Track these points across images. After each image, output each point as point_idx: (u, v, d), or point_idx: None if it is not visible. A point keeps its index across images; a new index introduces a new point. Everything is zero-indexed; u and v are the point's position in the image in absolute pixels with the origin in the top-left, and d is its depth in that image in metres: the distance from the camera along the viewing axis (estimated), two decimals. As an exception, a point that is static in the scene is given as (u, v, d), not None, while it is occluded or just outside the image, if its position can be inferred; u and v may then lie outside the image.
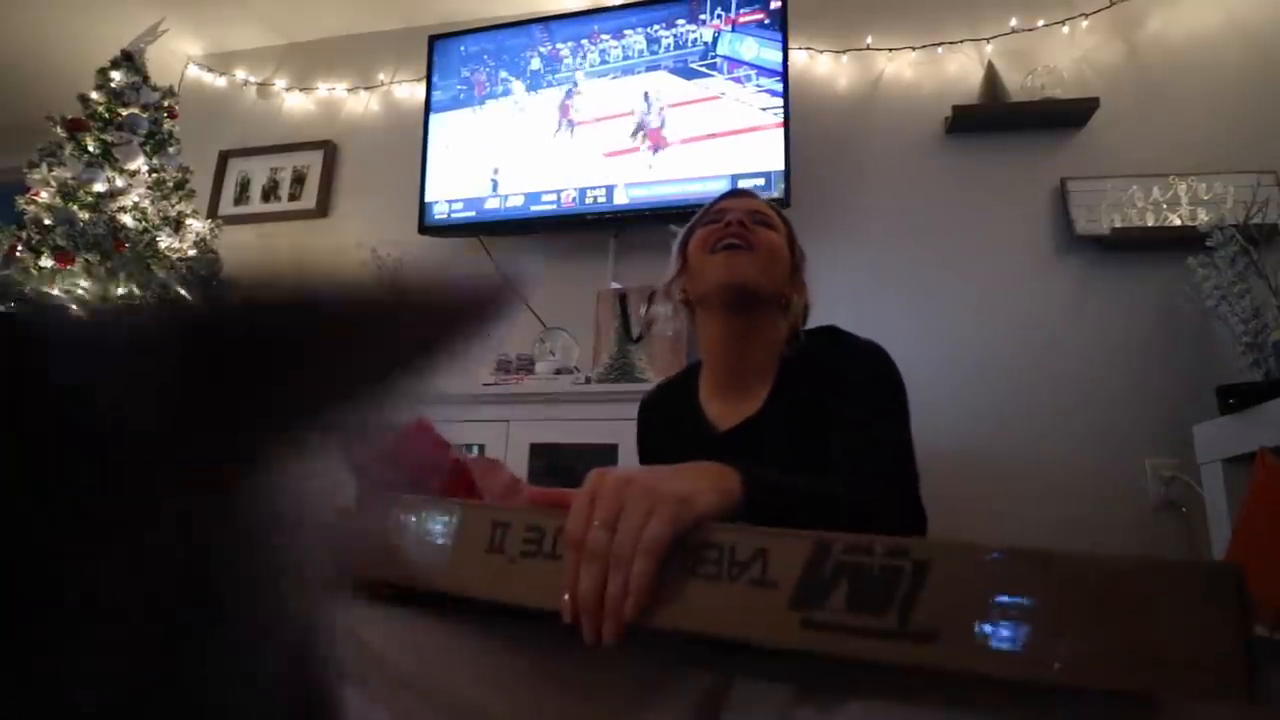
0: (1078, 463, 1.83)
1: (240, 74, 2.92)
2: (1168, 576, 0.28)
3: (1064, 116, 2.06)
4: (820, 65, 2.31)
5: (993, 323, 1.99)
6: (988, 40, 2.18)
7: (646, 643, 0.40)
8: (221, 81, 2.94)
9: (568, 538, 0.41)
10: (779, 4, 2.22)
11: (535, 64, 2.48)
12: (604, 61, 2.44)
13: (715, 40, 2.32)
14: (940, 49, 2.21)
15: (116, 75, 2.20)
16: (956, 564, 0.31)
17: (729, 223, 0.91)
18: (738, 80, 2.26)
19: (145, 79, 2.25)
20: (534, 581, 0.41)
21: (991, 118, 2.10)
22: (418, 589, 0.44)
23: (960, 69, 2.20)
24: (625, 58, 2.41)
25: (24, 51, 2.93)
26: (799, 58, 2.29)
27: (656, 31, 2.39)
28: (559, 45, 2.49)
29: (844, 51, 2.29)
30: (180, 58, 2.96)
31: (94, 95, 2.16)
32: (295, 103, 2.85)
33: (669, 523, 0.39)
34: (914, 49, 2.23)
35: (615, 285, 2.14)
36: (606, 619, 0.38)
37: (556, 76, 2.47)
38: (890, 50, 2.25)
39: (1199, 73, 2.04)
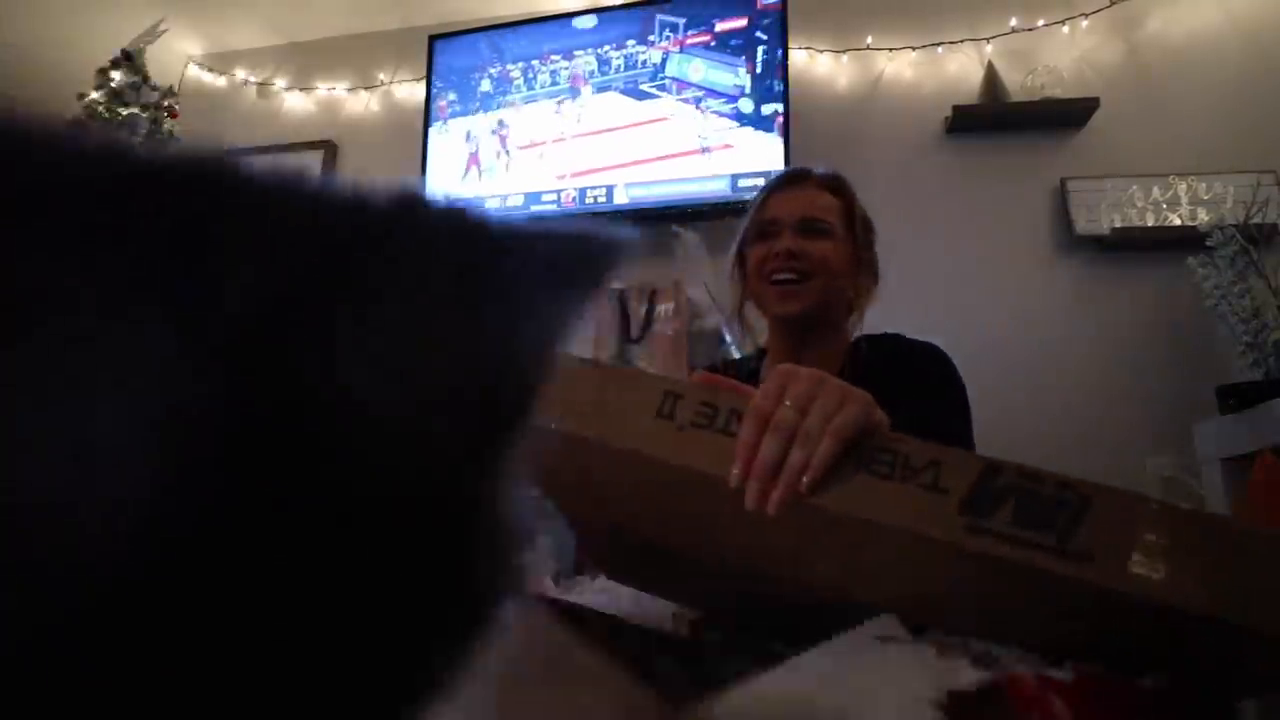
0: (1078, 462, 1.82)
1: (240, 74, 2.92)
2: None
3: (1064, 116, 2.06)
4: (820, 65, 2.31)
5: (992, 323, 1.99)
6: (988, 40, 2.18)
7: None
8: (221, 81, 2.94)
9: (755, 411, 0.43)
10: (726, 26, 2.26)
11: (485, 85, 2.49)
12: (554, 83, 2.44)
13: (664, 61, 2.33)
14: (940, 49, 2.21)
15: (116, 75, 2.20)
16: (1116, 504, 0.35)
17: (778, 253, 0.89)
18: (686, 103, 2.28)
19: (145, 79, 2.25)
20: (701, 448, 0.43)
21: (991, 118, 2.10)
22: (577, 433, 0.45)
23: (960, 69, 2.20)
24: (573, 78, 2.42)
25: (24, 52, 2.93)
26: (799, 58, 2.29)
27: (607, 52, 2.40)
28: (509, 66, 2.49)
29: (844, 51, 2.29)
30: (180, 58, 2.96)
31: (94, 95, 2.16)
32: (295, 102, 2.85)
33: (859, 415, 0.42)
34: (914, 49, 2.23)
35: (615, 285, 2.14)
36: (779, 487, 0.40)
37: (506, 99, 2.48)
38: (890, 50, 2.25)
39: (1199, 73, 2.04)
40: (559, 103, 2.42)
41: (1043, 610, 0.38)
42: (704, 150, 2.22)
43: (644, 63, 2.36)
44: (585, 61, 2.42)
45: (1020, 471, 0.37)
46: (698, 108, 2.26)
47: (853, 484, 0.40)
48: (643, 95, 2.34)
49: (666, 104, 2.31)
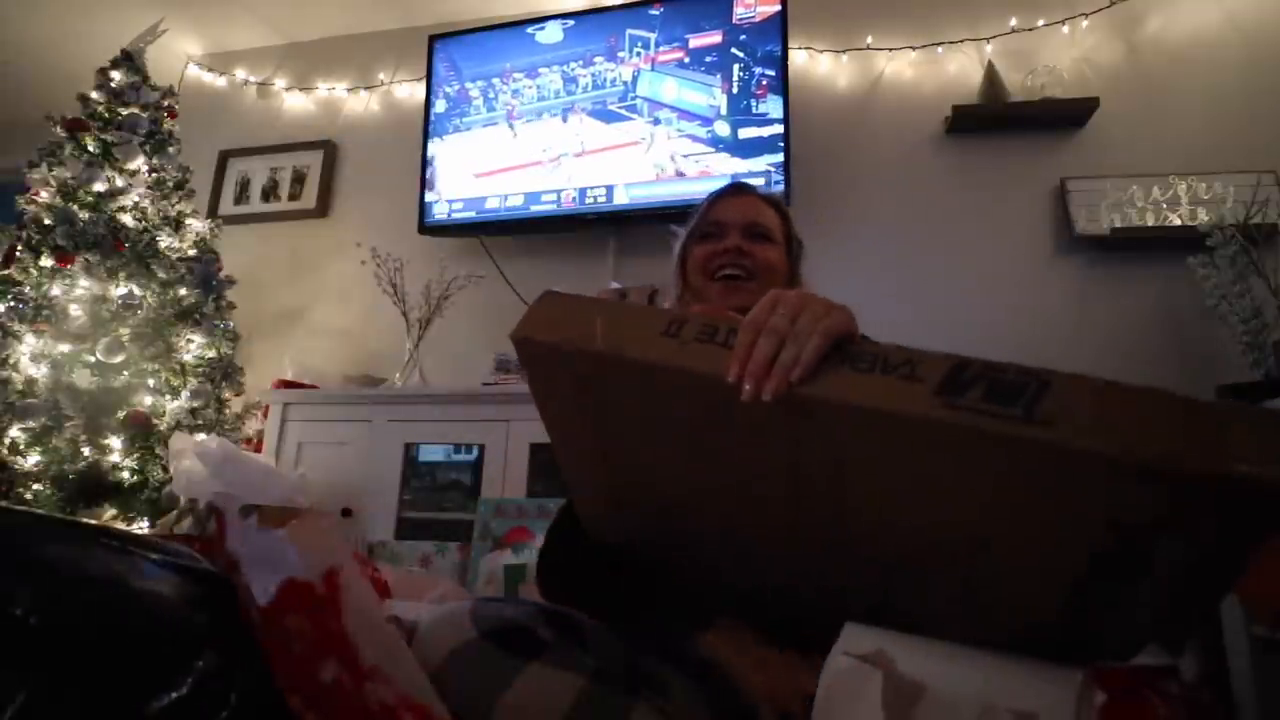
0: (1078, 463, 1.83)
1: (240, 74, 2.93)
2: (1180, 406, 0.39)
3: (1064, 116, 2.06)
4: (820, 65, 2.31)
5: (992, 322, 1.99)
6: (988, 40, 2.18)
7: None
8: (221, 81, 2.94)
9: (750, 322, 0.47)
10: (700, 42, 2.17)
11: (440, 106, 2.44)
12: (518, 103, 2.33)
13: (635, 80, 2.22)
14: (940, 49, 2.21)
15: (116, 75, 2.20)
16: (1070, 383, 0.40)
17: (727, 249, 0.91)
18: (658, 123, 2.18)
19: (145, 79, 2.25)
20: (703, 357, 0.47)
21: (991, 117, 2.10)
22: (590, 350, 0.50)
23: (960, 69, 2.20)
24: (540, 99, 2.32)
25: (24, 51, 2.93)
26: (799, 57, 2.29)
27: (574, 70, 2.30)
28: (468, 85, 2.39)
29: (844, 51, 2.29)
30: (180, 57, 2.96)
31: (94, 95, 2.16)
32: (295, 102, 2.85)
33: (844, 320, 0.47)
34: (914, 49, 2.23)
35: (615, 285, 2.14)
36: (771, 379, 0.45)
37: (465, 120, 2.38)
38: (890, 50, 2.25)
39: (1199, 73, 2.04)
40: (524, 123, 2.32)
41: (1009, 492, 0.42)
42: (679, 175, 2.14)
43: (613, 80, 2.25)
44: (550, 80, 2.31)
45: (986, 364, 0.42)
46: (665, 129, 2.14)
47: (837, 376, 0.44)
48: (612, 117, 2.24)
49: (638, 127, 2.20)
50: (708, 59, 2.18)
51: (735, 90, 2.15)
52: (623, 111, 2.23)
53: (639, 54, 2.23)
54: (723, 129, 2.14)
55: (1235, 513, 0.38)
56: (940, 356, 0.43)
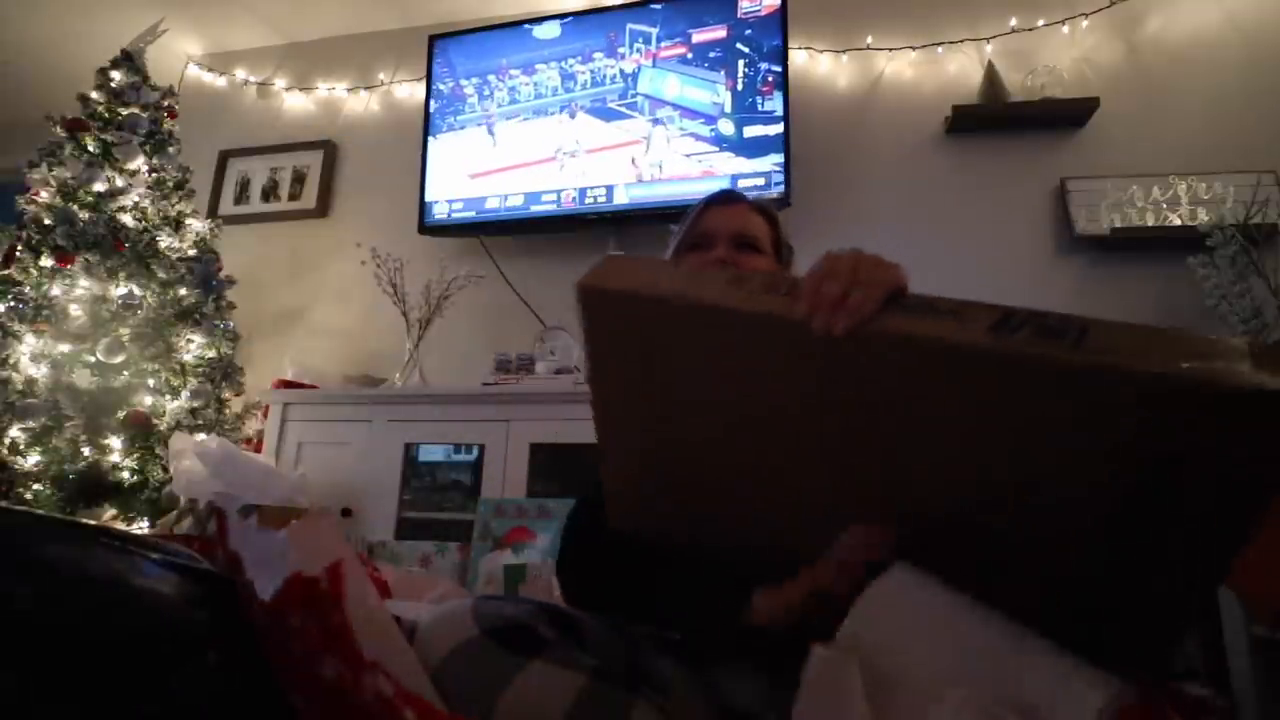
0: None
1: (240, 74, 2.93)
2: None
3: (1064, 116, 2.06)
4: (820, 65, 2.31)
5: (993, 323, 1.98)
6: (988, 40, 2.18)
7: None
8: (221, 81, 2.94)
9: (814, 273, 0.52)
10: (704, 37, 2.10)
11: (433, 105, 2.40)
12: (513, 101, 2.27)
13: (635, 76, 2.14)
14: (940, 49, 2.21)
15: (116, 75, 2.20)
16: (1106, 326, 0.45)
17: (713, 261, 0.90)
18: (659, 122, 2.10)
19: (145, 79, 2.25)
20: (770, 303, 0.51)
21: (991, 117, 2.10)
22: (668, 297, 0.53)
23: (960, 69, 2.20)
24: (537, 96, 2.25)
25: (24, 51, 2.93)
26: (799, 57, 2.29)
27: (572, 67, 2.22)
28: (463, 83, 2.32)
29: (844, 51, 2.29)
30: (180, 58, 2.96)
31: (94, 95, 2.16)
32: (295, 102, 2.85)
33: (898, 273, 0.52)
34: (914, 49, 2.23)
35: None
36: (842, 315, 0.48)
37: (459, 119, 2.33)
38: (890, 50, 2.25)
39: (1199, 73, 2.04)
40: (522, 120, 2.26)
41: (1054, 424, 0.47)
42: (682, 178, 2.09)
43: (613, 77, 2.18)
44: (548, 77, 2.24)
45: (1030, 311, 0.47)
46: (668, 128, 2.07)
47: (897, 318, 0.49)
48: (611, 115, 2.16)
49: (638, 125, 2.12)
50: (711, 54, 2.12)
51: (740, 87, 2.10)
52: (623, 109, 2.18)
53: (640, 49, 2.17)
54: (727, 127, 2.10)
55: (1259, 438, 0.42)
56: (987, 305, 0.48)
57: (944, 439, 0.51)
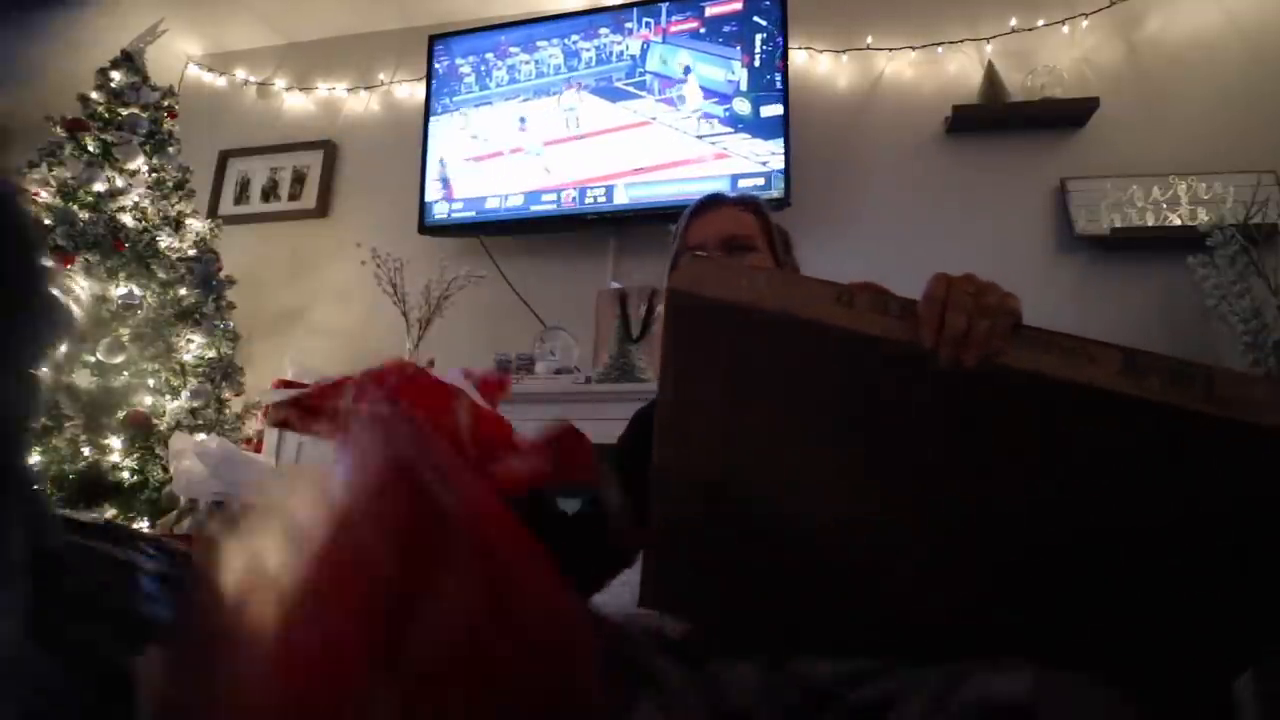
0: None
1: (240, 74, 2.92)
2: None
3: (1064, 116, 2.06)
4: (820, 65, 2.31)
5: (993, 323, 1.98)
6: (988, 40, 2.18)
7: None
8: (221, 81, 2.94)
9: (931, 297, 0.50)
10: (718, 10, 1.95)
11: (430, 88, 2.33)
12: (513, 81, 2.17)
13: (644, 53, 1.99)
14: (940, 49, 2.21)
15: (116, 75, 2.20)
16: (1228, 374, 0.44)
17: None
18: (669, 102, 1.95)
19: (145, 79, 2.25)
20: (883, 325, 0.49)
21: (991, 118, 2.10)
22: (771, 311, 0.50)
23: (960, 69, 2.20)
24: (539, 75, 2.13)
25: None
26: (799, 57, 2.29)
27: (575, 44, 2.08)
28: (459, 61, 2.24)
29: (844, 51, 2.29)
30: (180, 58, 2.96)
31: (94, 95, 2.16)
32: (295, 102, 2.85)
33: (1019, 305, 0.50)
34: (914, 49, 2.23)
35: (615, 285, 2.14)
36: (970, 349, 0.47)
37: (455, 100, 2.25)
38: (890, 50, 2.25)
39: (1199, 73, 2.04)
40: (522, 101, 2.14)
41: (1176, 465, 0.46)
42: (698, 160, 1.98)
43: (619, 55, 2.01)
44: (550, 54, 2.09)
45: (1152, 354, 0.46)
46: (680, 108, 1.92)
47: (1022, 351, 0.47)
48: (618, 95, 2.01)
49: (646, 105, 1.98)
50: (726, 29, 1.97)
51: (757, 63, 1.95)
52: (630, 89, 2.03)
53: (648, 24, 2.02)
54: (743, 106, 1.96)
55: None
56: (1108, 344, 0.46)
57: (1048, 473, 0.50)
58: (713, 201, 0.97)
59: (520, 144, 2.24)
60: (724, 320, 0.51)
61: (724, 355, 0.53)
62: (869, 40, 2.27)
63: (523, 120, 2.21)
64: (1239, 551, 0.47)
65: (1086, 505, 0.49)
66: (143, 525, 1.86)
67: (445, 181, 2.36)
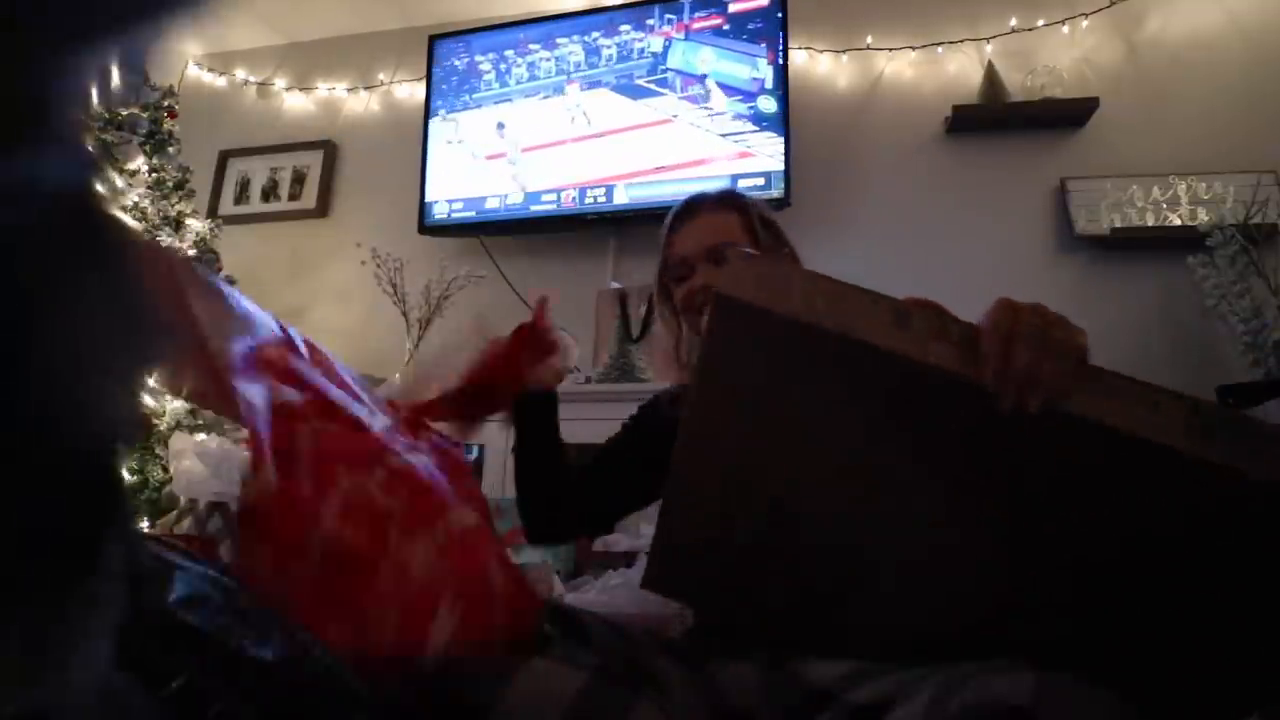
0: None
1: (240, 74, 2.93)
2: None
3: (1064, 116, 2.06)
4: (820, 65, 2.31)
5: (993, 323, 1.98)
6: (988, 40, 2.18)
7: None
8: (221, 81, 2.94)
9: (996, 328, 0.46)
10: (742, 6, 1.93)
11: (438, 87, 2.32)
12: (533, 78, 2.14)
13: (666, 50, 1.96)
14: (940, 49, 2.21)
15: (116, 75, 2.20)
16: None
17: (696, 290, 0.88)
18: (692, 99, 1.93)
19: (145, 79, 2.25)
20: (942, 355, 0.46)
21: (991, 118, 2.11)
22: (830, 330, 0.48)
23: (960, 69, 2.20)
24: (559, 72, 2.10)
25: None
26: (799, 57, 2.29)
27: (596, 40, 2.06)
28: (479, 58, 2.22)
29: (844, 51, 2.29)
30: (180, 58, 2.96)
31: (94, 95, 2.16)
32: (295, 102, 2.85)
33: (1085, 342, 0.47)
34: (914, 49, 2.23)
35: (615, 285, 2.14)
36: (1038, 391, 0.44)
37: (475, 96, 2.24)
38: (890, 50, 2.25)
39: (1199, 73, 2.04)
40: (543, 99, 2.13)
41: (1222, 521, 0.44)
42: (723, 158, 1.96)
43: (641, 52, 1.99)
44: (570, 51, 2.07)
45: (1216, 406, 0.44)
46: (703, 106, 1.90)
47: (1084, 397, 0.44)
48: (639, 92, 1.99)
49: (668, 103, 1.95)
50: (751, 25, 1.95)
51: (783, 61, 1.94)
52: (651, 86, 2.00)
53: (671, 21, 1.98)
54: (768, 105, 1.92)
55: None
56: (1172, 393, 0.44)
57: (1087, 505, 0.48)
58: (691, 209, 0.94)
59: (540, 141, 2.22)
60: (770, 327, 0.49)
61: (764, 357, 0.52)
62: (869, 40, 2.27)
63: (538, 115, 2.21)
64: (1272, 606, 0.47)
65: (1122, 542, 0.48)
66: (143, 525, 1.86)
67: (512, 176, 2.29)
